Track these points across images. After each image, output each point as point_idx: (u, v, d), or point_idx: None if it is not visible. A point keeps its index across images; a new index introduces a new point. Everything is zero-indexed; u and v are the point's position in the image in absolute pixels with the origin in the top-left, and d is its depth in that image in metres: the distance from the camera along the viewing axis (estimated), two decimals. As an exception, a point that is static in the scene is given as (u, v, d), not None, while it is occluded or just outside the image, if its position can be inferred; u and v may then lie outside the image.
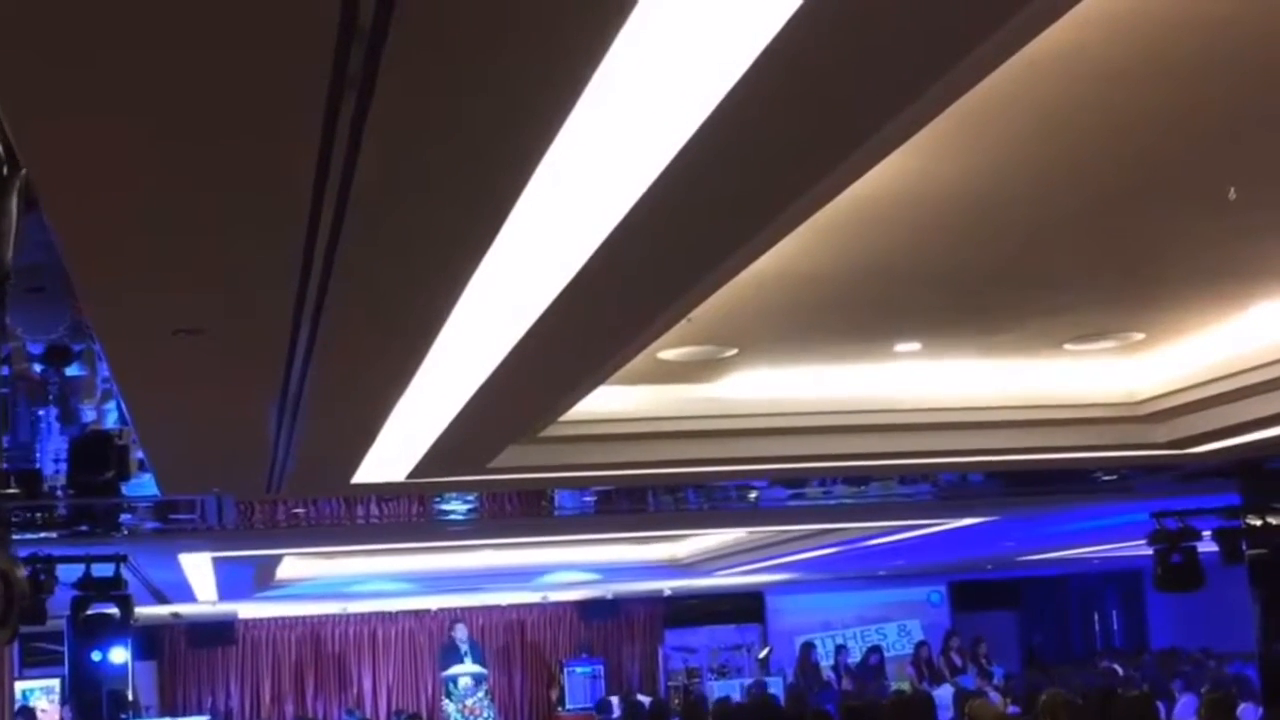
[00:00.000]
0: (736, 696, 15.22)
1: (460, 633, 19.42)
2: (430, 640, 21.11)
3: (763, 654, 21.24)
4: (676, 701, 18.38)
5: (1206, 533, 10.60)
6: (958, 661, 20.50)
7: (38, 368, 5.44)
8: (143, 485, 7.32)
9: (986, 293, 5.95)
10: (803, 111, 2.97)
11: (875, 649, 21.08)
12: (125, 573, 9.50)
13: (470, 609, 20.49)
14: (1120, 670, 16.54)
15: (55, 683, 17.34)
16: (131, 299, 3.96)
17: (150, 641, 19.38)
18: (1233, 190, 4.41)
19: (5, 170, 2.21)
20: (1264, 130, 4.09)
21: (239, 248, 3.51)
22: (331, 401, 5.52)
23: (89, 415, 6.36)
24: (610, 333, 4.96)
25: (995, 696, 14.06)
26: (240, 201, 3.16)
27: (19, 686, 16.80)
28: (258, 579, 14.82)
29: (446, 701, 19.01)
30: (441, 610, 20.85)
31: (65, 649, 16.30)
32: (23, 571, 3.14)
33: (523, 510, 10.36)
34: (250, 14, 2.28)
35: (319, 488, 8.36)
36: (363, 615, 20.90)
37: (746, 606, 22.17)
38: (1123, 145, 4.15)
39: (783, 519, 12.70)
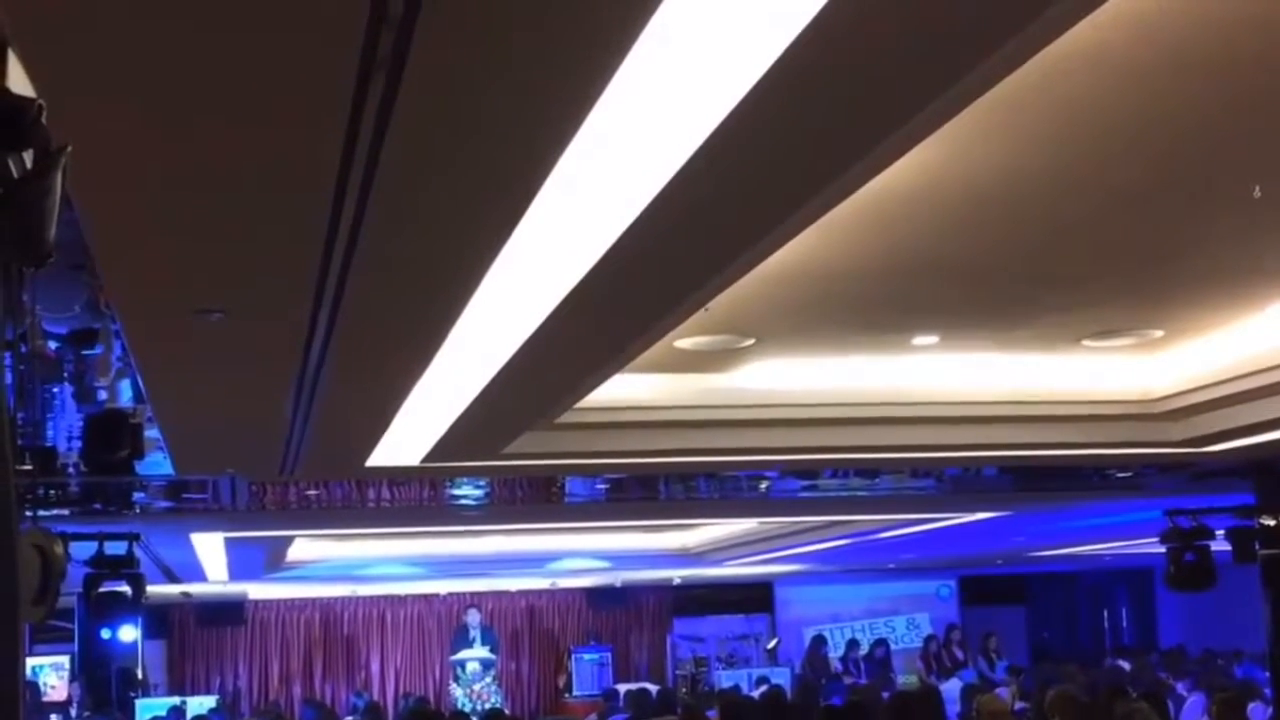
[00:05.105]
0: (745, 687, 15.21)
1: (472, 618, 19.46)
2: (439, 624, 21.14)
3: (771, 645, 21.26)
4: (684, 690, 18.40)
5: (1219, 531, 10.58)
6: (959, 655, 20.53)
7: (53, 345, 5.44)
8: (156, 464, 7.33)
9: (1005, 287, 5.93)
10: (828, 105, 2.97)
11: (881, 641, 21.12)
12: (137, 551, 9.50)
13: (479, 594, 20.50)
14: (1127, 666, 16.53)
15: (64, 659, 17.38)
16: (153, 278, 3.97)
17: (159, 620, 19.42)
18: (1258, 188, 4.39)
19: (52, 146, 2.20)
20: (1289, 129, 4.07)
21: (263, 229, 3.52)
22: (349, 385, 5.53)
23: (103, 393, 6.36)
24: (628, 321, 4.96)
25: (1004, 692, 14.04)
26: (265, 182, 3.17)
27: (28, 663, 16.78)
28: (269, 560, 14.84)
29: (454, 685, 19.05)
30: (451, 594, 20.87)
31: (75, 626, 16.52)
32: (60, 548, 3.11)
33: (533, 496, 10.37)
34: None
35: (333, 470, 8.38)
36: (372, 598, 20.93)
37: (755, 596, 22.21)
38: (1146, 142, 4.14)
39: (794, 510, 12.70)
